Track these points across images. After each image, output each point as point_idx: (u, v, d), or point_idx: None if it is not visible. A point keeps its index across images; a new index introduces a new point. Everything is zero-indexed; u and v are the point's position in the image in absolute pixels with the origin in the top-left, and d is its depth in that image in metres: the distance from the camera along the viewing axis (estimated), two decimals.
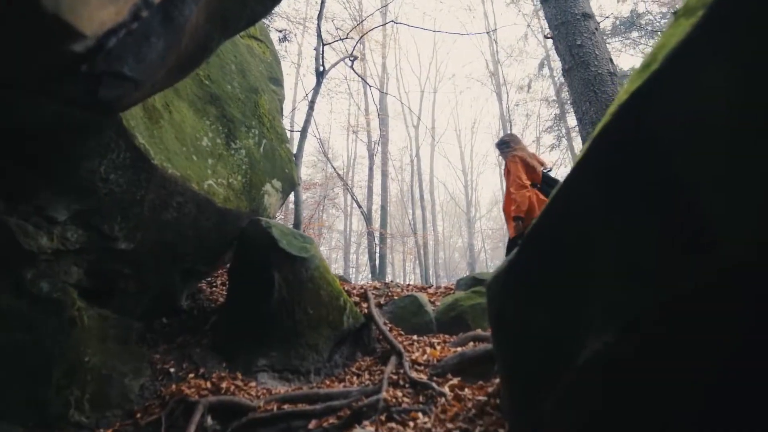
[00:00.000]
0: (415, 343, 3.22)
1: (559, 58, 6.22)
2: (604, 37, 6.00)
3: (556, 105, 20.58)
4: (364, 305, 3.59)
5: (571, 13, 5.97)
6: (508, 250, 4.77)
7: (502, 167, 4.56)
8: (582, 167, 1.32)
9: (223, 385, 2.78)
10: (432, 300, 3.84)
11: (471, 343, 3.05)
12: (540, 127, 22.75)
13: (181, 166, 2.88)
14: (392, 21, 8.13)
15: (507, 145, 4.67)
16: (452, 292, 4.03)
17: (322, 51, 7.86)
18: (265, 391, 2.83)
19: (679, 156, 1.01)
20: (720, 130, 0.93)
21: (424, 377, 2.71)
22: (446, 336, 3.33)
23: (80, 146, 2.33)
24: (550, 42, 22.08)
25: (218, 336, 3.22)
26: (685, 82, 1.01)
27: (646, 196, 1.08)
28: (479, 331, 3.20)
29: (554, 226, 1.48)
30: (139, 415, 2.60)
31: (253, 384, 2.89)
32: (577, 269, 1.36)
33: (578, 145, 20.48)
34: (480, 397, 2.31)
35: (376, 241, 17.99)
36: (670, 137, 1.03)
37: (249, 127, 3.78)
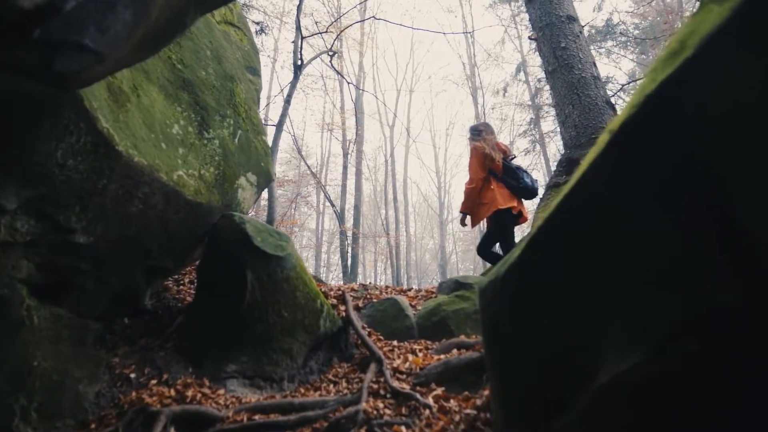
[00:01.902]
0: (396, 349, 3.05)
1: (542, 60, 6.17)
2: None
3: (531, 110, 20.85)
4: (342, 308, 3.41)
5: (556, 15, 5.91)
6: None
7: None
8: (600, 164, 1.19)
9: (189, 392, 2.56)
10: (413, 304, 3.68)
11: (455, 351, 2.90)
12: (514, 131, 22.99)
13: (149, 155, 2.66)
14: (373, 17, 7.94)
15: (479, 133, 4.75)
16: (434, 295, 3.88)
17: (301, 44, 7.63)
18: (234, 399, 2.63)
19: (715, 151, 0.90)
20: (762, 123, 0.83)
21: (406, 387, 2.54)
22: (428, 342, 3.16)
23: (34, 127, 2.09)
24: (526, 48, 22.38)
25: (184, 339, 3.00)
26: (724, 69, 0.89)
27: (678, 196, 0.96)
28: (463, 338, 3.06)
29: (566, 228, 1.34)
30: (93, 426, 2.36)
31: (221, 392, 2.67)
32: (593, 278, 1.22)
33: (552, 150, 20.75)
34: (468, 411, 2.16)
35: (349, 240, 17.89)
36: (706, 131, 0.92)
37: (224, 116, 3.55)
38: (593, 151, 1.23)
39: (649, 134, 1.03)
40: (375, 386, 2.59)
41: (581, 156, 5.18)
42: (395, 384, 2.55)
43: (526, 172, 4.62)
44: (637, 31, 19.24)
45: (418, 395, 2.38)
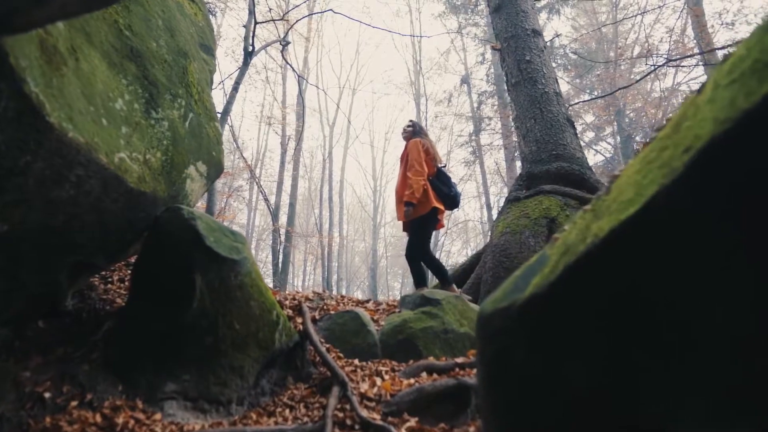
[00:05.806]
0: (359, 370, 2.75)
1: (504, 71, 6.09)
2: None
3: (471, 122, 21.23)
4: (299, 320, 3.06)
5: (522, 27, 5.85)
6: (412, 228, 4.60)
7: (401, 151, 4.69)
8: (683, 182, 0.96)
9: (119, 418, 2.14)
10: (374, 318, 3.39)
11: (424, 374, 2.65)
12: (453, 141, 23.34)
13: (87, 131, 2.22)
14: (330, 10, 7.60)
15: (425, 135, 4.72)
16: (396, 310, 3.61)
17: (254, 29, 7.16)
18: (174, 426, 2.23)
19: None
20: None
21: (377, 417, 2.26)
22: (394, 363, 2.88)
23: None
24: (471, 60, 22.77)
25: (114, 349, 2.54)
26: None
27: None
28: (432, 360, 2.81)
29: (629, 255, 1.10)
30: None
31: (158, 417, 2.27)
32: (665, 321, 1.00)
33: (489, 162, 21.15)
34: None
35: (281, 238, 17.37)
36: None
37: (175, 95, 3.12)
38: (661, 168, 1.02)
39: (751, 152, 0.83)
40: (340, 414, 2.28)
41: (541, 171, 5.13)
42: (365, 413, 2.25)
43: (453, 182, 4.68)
44: (574, 57, 20.10)
45: (393, 429, 2.10)
